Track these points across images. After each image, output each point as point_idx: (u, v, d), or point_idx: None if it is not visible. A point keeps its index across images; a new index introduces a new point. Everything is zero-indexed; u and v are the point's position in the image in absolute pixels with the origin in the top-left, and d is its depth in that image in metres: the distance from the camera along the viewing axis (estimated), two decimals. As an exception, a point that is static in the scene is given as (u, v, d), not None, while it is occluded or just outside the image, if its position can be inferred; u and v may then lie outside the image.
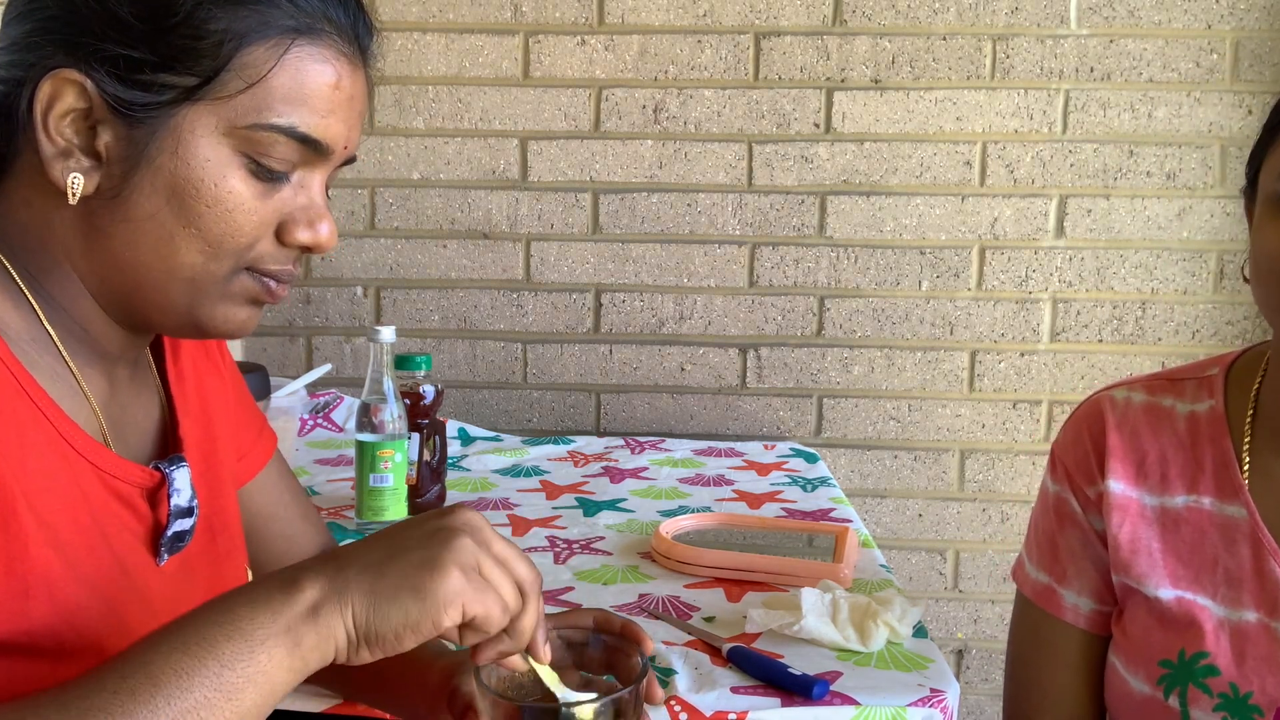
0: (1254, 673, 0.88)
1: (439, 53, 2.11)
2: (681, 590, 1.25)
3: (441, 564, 0.60)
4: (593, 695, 0.70)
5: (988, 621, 2.19)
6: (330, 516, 1.49)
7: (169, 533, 0.73)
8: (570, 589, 1.25)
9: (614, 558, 1.37)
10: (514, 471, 1.80)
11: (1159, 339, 2.11)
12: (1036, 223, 2.10)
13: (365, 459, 1.38)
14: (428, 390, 1.49)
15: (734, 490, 1.71)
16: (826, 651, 1.08)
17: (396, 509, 1.40)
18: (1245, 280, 0.90)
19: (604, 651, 0.76)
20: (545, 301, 2.16)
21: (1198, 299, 2.10)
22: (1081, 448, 1.00)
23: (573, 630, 0.77)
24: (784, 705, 0.97)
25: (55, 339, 0.69)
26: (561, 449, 1.95)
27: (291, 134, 0.67)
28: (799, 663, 1.03)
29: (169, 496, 0.73)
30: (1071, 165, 2.08)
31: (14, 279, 0.68)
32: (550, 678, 0.69)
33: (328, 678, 0.98)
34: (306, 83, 0.67)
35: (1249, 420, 0.94)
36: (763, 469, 1.85)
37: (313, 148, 0.69)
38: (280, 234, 0.70)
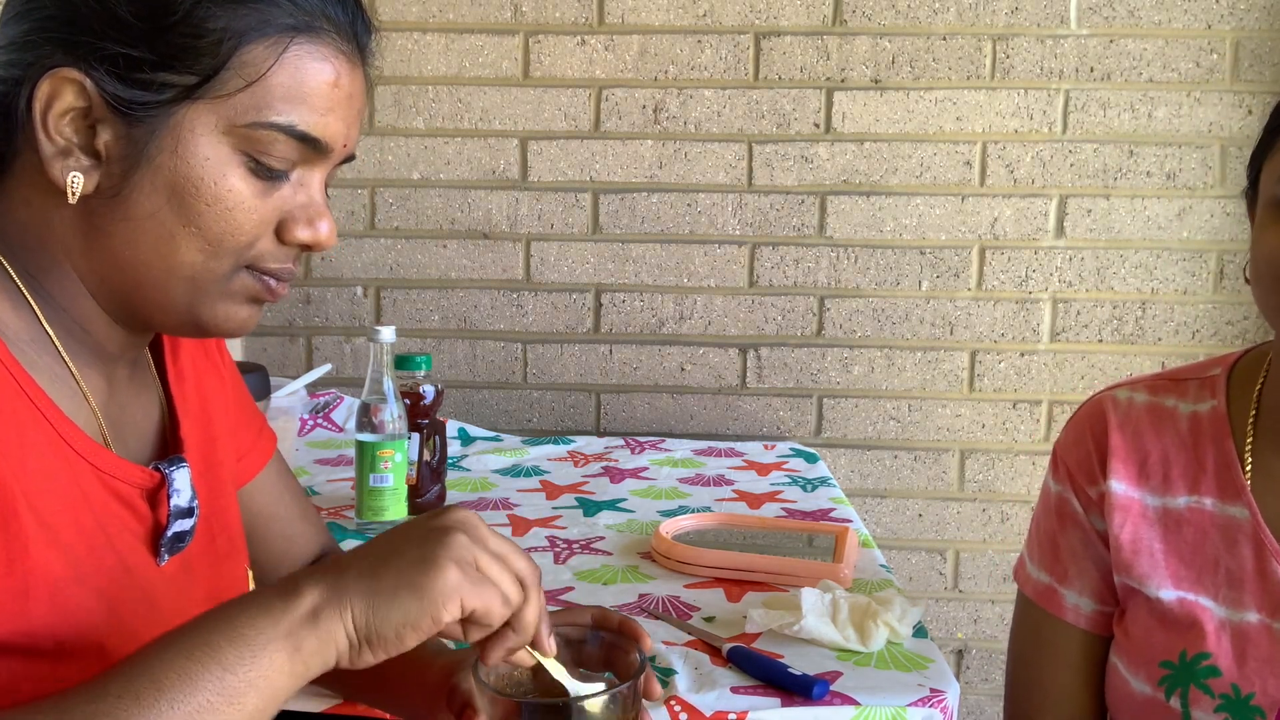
0: (1255, 673, 0.88)
1: (439, 52, 2.11)
2: (681, 590, 1.25)
3: (437, 560, 0.60)
4: (600, 686, 0.70)
5: (988, 621, 2.18)
6: (330, 516, 1.49)
7: (169, 533, 0.73)
8: (570, 589, 1.25)
9: (614, 558, 1.37)
10: (514, 471, 1.80)
11: (1159, 339, 2.11)
12: (1036, 223, 2.10)
13: (365, 459, 1.38)
14: (428, 390, 1.49)
15: (734, 490, 1.71)
16: (826, 651, 1.08)
17: (396, 509, 1.40)
18: (1247, 281, 0.90)
19: (602, 648, 0.76)
20: (545, 301, 2.16)
21: (1198, 299, 2.10)
22: (1083, 448, 1.00)
23: (571, 627, 0.77)
24: (784, 705, 0.97)
25: (54, 339, 0.69)
26: (561, 449, 1.95)
27: (291, 132, 0.67)
28: (799, 663, 1.03)
29: (169, 497, 0.73)
30: (1071, 165, 2.08)
31: (13, 279, 0.68)
32: (558, 671, 0.69)
33: (328, 678, 0.98)
34: (306, 81, 0.67)
35: (1251, 421, 0.94)
36: (763, 469, 1.85)
37: (312, 146, 0.69)
38: (280, 232, 0.70)
